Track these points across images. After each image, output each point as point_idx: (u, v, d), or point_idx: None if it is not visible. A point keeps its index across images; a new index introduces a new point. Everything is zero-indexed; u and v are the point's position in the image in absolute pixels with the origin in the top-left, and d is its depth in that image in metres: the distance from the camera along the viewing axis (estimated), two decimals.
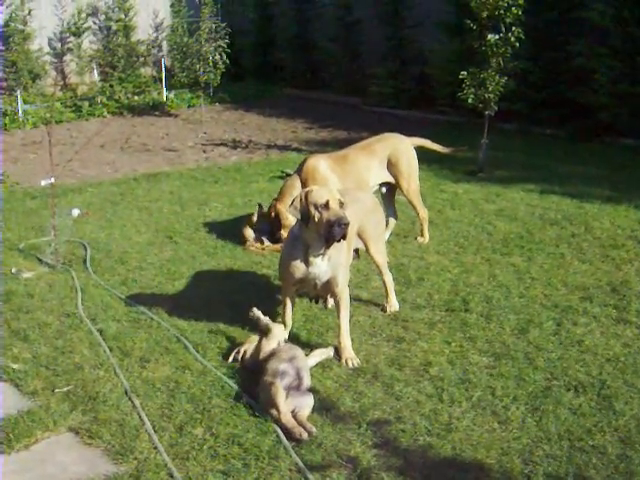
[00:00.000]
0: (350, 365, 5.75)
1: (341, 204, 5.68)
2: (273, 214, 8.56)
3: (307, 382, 5.28)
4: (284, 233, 8.27)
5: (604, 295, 6.97)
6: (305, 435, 4.80)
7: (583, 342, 6.05)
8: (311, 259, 5.81)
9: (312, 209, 5.66)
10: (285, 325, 6.14)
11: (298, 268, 5.86)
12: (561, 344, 6.03)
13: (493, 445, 4.72)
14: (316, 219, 5.65)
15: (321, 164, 8.32)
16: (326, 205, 5.62)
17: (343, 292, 5.95)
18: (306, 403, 5.09)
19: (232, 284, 7.43)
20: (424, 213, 8.61)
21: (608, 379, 5.47)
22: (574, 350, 5.93)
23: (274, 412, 4.98)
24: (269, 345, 5.64)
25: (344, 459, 4.60)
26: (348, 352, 5.85)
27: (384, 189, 8.64)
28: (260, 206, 8.80)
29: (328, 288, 5.99)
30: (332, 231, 5.59)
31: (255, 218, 8.69)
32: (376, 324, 6.48)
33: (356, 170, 8.34)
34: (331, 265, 5.85)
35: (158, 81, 20.42)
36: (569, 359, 5.78)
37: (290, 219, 8.08)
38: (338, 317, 5.95)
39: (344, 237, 5.67)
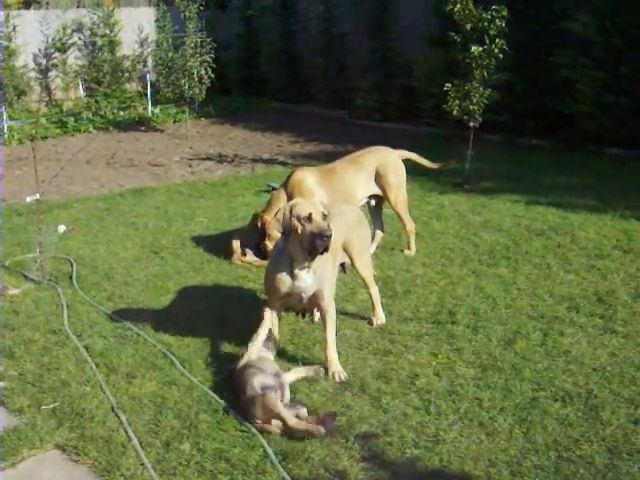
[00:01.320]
0: (337, 379, 5.72)
1: (324, 216, 5.68)
2: (259, 224, 8.56)
3: (287, 398, 5.28)
4: (269, 244, 8.28)
5: (590, 305, 6.99)
6: (322, 430, 4.85)
7: (570, 352, 6.06)
8: (297, 272, 5.79)
9: (295, 222, 5.66)
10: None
11: (284, 282, 5.83)
12: (548, 354, 6.04)
13: (480, 457, 4.72)
14: (299, 231, 5.64)
15: (308, 177, 8.33)
16: (309, 218, 5.61)
17: (329, 305, 5.93)
18: (303, 412, 5.10)
19: (218, 299, 7.42)
20: (411, 226, 8.63)
21: (595, 389, 5.48)
22: (561, 360, 5.94)
23: (278, 422, 4.97)
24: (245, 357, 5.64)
25: (332, 473, 4.58)
26: (335, 366, 5.81)
27: (373, 201, 8.66)
28: (256, 216, 8.75)
29: (314, 302, 5.97)
30: (315, 243, 5.58)
31: (250, 228, 8.67)
32: (363, 337, 6.47)
33: (344, 183, 8.35)
34: (317, 278, 5.84)
35: (143, 96, 20.43)
36: (556, 369, 5.79)
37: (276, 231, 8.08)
38: (324, 330, 5.91)
39: (327, 249, 5.67)
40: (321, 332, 6.21)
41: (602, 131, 13.67)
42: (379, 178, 8.48)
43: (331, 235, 5.61)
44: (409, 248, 8.58)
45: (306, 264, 5.78)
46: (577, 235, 8.92)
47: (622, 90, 13.37)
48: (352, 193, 8.37)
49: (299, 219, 5.65)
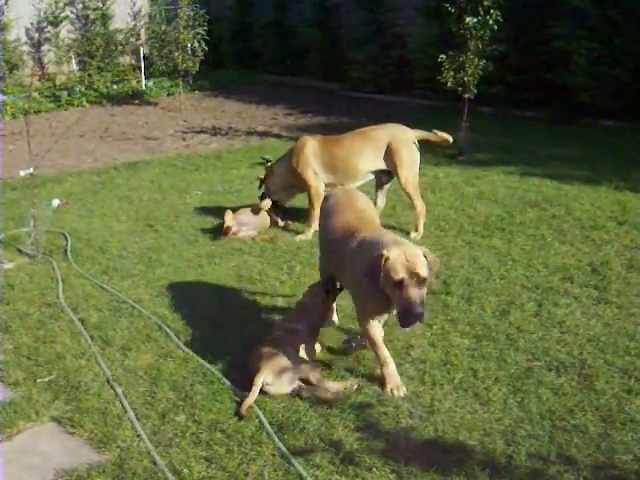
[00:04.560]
0: (396, 395, 5.12)
1: (420, 280, 4.84)
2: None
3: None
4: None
5: (584, 276, 7.00)
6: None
7: (564, 322, 6.08)
8: None
9: (385, 282, 4.88)
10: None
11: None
12: (542, 325, 6.06)
13: (475, 426, 4.75)
14: (389, 293, 4.93)
15: (307, 146, 8.43)
16: (400, 283, 4.81)
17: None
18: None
19: (213, 271, 7.42)
20: (421, 207, 8.40)
21: (589, 359, 5.50)
22: (555, 331, 5.96)
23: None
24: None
25: (327, 443, 4.61)
26: (394, 380, 5.22)
27: (384, 178, 8.59)
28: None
29: None
30: (404, 316, 4.89)
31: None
32: None
33: (346, 154, 8.33)
34: None
35: (137, 70, 20.33)
36: (550, 340, 5.81)
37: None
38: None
39: (421, 321, 4.92)
40: None
41: (597, 103, 13.65)
42: (390, 154, 8.32)
43: (422, 315, 4.83)
44: (417, 230, 8.35)
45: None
46: (571, 206, 8.92)
47: (617, 62, 13.34)
48: (354, 165, 8.33)
49: (389, 281, 4.86)
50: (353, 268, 5.28)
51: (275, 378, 5.08)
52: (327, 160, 8.36)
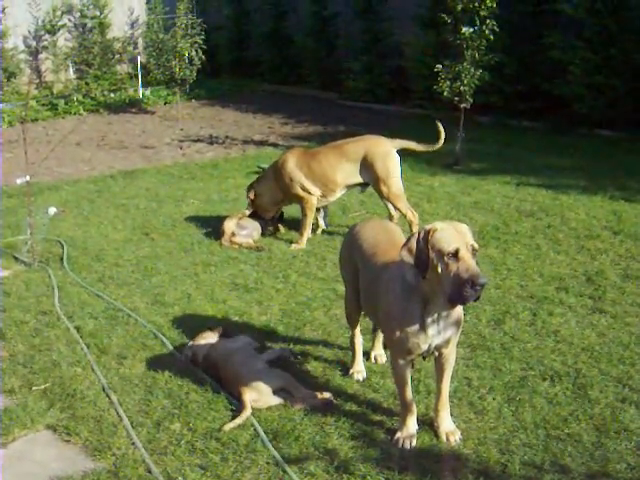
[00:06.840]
0: (452, 442, 4.73)
1: (474, 251, 4.30)
2: (249, 200, 8.88)
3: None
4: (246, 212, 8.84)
5: (580, 285, 7.02)
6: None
7: (559, 332, 6.09)
8: (429, 318, 4.53)
9: (434, 256, 4.28)
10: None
11: (413, 330, 4.56)
12: (537, 334, 6.08)
13: (470, 435, 4.75)
14: (439, 270, 4.28)
15: (289, 161, 8.53)
16: (455, 254, 4.23)
17: (453, 352, 4.83)
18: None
19: (209, 280, 7.43)
20: (412, 216, 8.38)
21: (583, 368, 5.51)
22: (550, 340, 5.97)
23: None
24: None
25: (321, 452, 4.61)
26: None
27: (360, 188, 8.62)
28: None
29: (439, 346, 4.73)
30: (461, 291, 4.20)
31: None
32: None
33: (321, 168, 8.39)
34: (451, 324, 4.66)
35: (134, 78, 20.36)
36: (545, 349, 5.83)
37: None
38: (440, 381, 4.85)
39: (478, 299, 4.28)
40: (311, 313, 6.26)
41: (593, 112, 13.68)
42: (367, 168, 8.31)
43: (485, 283, 4.22)
44: None
45: (444, 312, 4.53)
46: (567, 216, 8.94)
47: (613, 72, 13.37)
48: (331, 179, 8.34)
49: (440, 254, 4.26)
50: (386, 295, 4.72)
51: (259, 393, 5.10)
52: (307, 173, 8.39)
